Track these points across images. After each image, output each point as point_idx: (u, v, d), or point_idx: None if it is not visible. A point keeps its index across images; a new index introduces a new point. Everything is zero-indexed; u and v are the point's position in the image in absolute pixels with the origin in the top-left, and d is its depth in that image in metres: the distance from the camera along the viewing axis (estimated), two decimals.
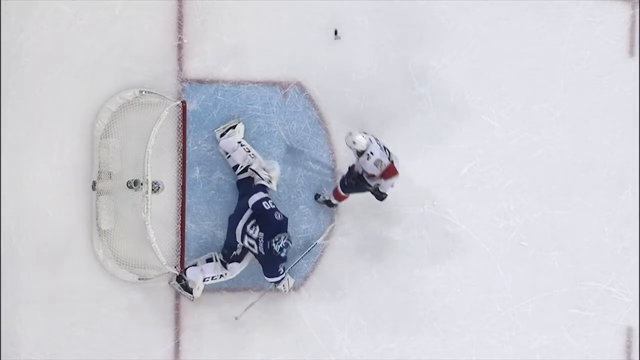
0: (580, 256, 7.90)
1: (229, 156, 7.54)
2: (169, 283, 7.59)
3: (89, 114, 7.54)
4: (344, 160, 7.69)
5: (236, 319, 7.64)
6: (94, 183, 7.46)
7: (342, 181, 7.40)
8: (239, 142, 7.53)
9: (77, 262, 7.59)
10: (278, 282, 7.40)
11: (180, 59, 7.66)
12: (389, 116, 7.71)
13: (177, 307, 7.71)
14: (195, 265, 7.52)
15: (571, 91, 7.88)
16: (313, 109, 7.74)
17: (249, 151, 7.53)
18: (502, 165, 7.87)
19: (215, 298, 7.70)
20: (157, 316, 7.68)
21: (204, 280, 7.52)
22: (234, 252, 7.52)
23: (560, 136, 7.89)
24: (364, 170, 7.12)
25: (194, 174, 7.64)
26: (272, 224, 7.17)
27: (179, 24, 7.66)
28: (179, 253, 7.22)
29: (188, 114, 7.35)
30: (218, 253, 7.57)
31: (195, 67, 7.67)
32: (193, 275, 7.48)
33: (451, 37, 7.80)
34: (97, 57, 7.57)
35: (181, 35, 7.65)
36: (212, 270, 7.54)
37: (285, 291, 7.62)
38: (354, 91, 7.72)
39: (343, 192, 7.44)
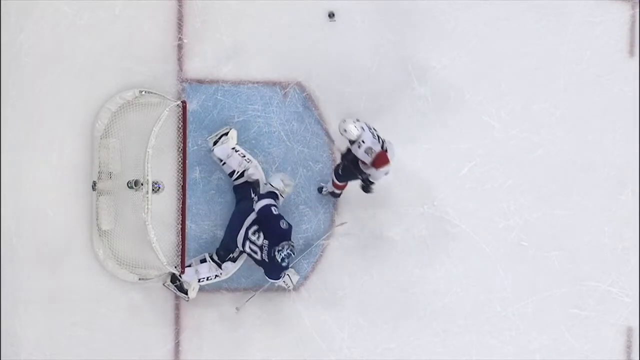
0: (580, 256, 7.90)
1: (224, 163, 7.53)
2: (163, 284, 7.58)
3: (89, 114, 7.54)
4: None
5: (237, 309, 7.65)
6: (94, 183, 7.46)
7: (335, 170, 7.41)
8: (233, 148, 7.52)
9: (77, 262, 7.59)
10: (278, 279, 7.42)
11: (180, 59, 7.66)
12: (389, 116, 7.71)
13: (177, 307, 7.71)
14: (189, 266, 7.52)
15: (571, 91, 7.88)
16: (313, 109, 7.74)
17: (244, 156, 7.52)
18: (502, 165, 7.87)
19: (215, 298, 7.70)
20: (157, 316, 7.68)
21: (199, 281, 7.52)
22: (231, 255, 7.52)
23: (560, 136, 7.89)
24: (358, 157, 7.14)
25: (194, 174, 7.65)
26: (277, 231, 7.15)
27: (179, 24, 7.65)
28: (179, 253, 7.22)
29: (188, 114, 7.35)
30: (212, 254, 7.57)
31: (195, 67, 7.67)
32: (188, 276, 7.48)
33: (451, 37, 7.80)
34: (97, 57, 7.57)
35: (181, 35, 7.65)
36: (207, 270, 7.54)
37: (289, 287, 7.62)
38: (354, 91, 7.72)
39: (337, 180, 7.44)
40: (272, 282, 7.46)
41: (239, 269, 7.63)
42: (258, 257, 7.19)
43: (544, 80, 7.87)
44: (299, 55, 7.67)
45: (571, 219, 7.89)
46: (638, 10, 7.90)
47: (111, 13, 7.58)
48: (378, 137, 7.10)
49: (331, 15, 7.58)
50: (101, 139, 7.47)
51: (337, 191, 7.63)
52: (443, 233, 7.85)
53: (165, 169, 7.31)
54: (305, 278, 7.74)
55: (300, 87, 7.71)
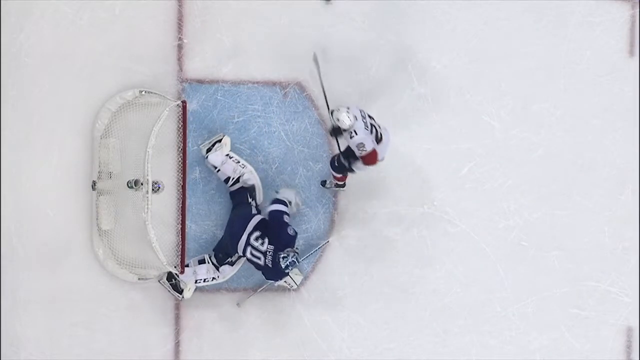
0: (580, 256, 7.90)
1: (218, 170, 7.52)
2: (159, 281, 7.57)
3: (89, 114, 7.54)
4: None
5: (238, 305, 7.65)
6: (94, 183, 7.46)
7: (331, 162, 7.44)
8: (227, 155, 7.51)
9: (77, 262, 7.59)
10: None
11: (180, 59, 7.66)
12: (389, 116, 7.70)
13: (177, 307, 7.71)
14: (187, 266, 7.51)
15: (571, 91, 7.88)
16: (313, 109, 7.74)
17: (239, 162, 7.52)
18: (502, 165, 7.87)
19: (215, 298, 7.70)
20: (157, 316, 7.68)
21: (195, 282, 7.52)
22: (229, 259, 7.52)
23: (560, 136, 7.89)
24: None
25: (194, 174, 7.65)
26: (284, 237, 7.15)
27: (179, 24, 7.65)
28: (179, 253, 7.22)
29: (188, 114, 7.35)
30: (210, 256, 7.57)
31: (195, 67, 7.67)
32: (186, 276, 7.47)
33: (451, 37, 7.80)
34: (97, 57, 7.56)
35: (181, 35, 7.65)
36: (205, 272, 7.54)
37: (291, 287, 7.63)
38: (354, 91, 7.72)
39: (335, 172, 7.44)
40: (272, 283, 7.48)
41: (237, 271, 7.63)
42: (261, 262, 7.17)
43: (544, 80, 7.87)
44: (299, 55, 7.67)
45: (571, 219, 7.88)
46: (638, 10, 7.90)
47: (111, 13, 7.58)
48: (371, 126, 7.09)
49: None
50: (101, 138, 7.47)
51: (340, 182, 7.63)
52: (443, 233, 7.85)
53: (165, 169, 7.31)
54: (305, 278, 7.74)
55: (300, 87, 7.71)
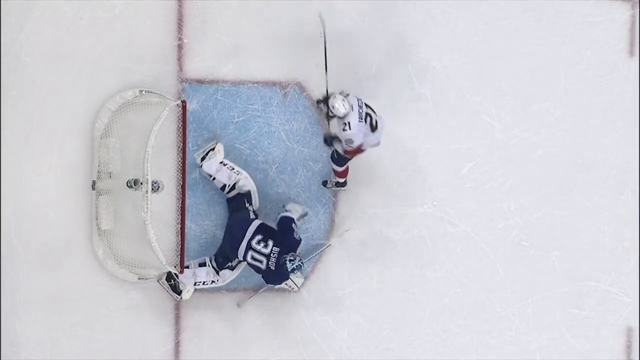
0: (580, 256, 7.90)
1: (214, 178, 7.52)
2: (158, 281, 7.57)
3: (89, 114, 7.54)
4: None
5: (238, 306, 7.66)
6: (94, 183, 7.46)
7: (331, 156, 7.43)
8: (221, 162, 7.51)
9: (77, 262, 7.59)
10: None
11: (180, 59, 7.66)
12: (389, 116, 7.70)
13: (177, 307, 7.71)
14: (188, 267, 7.52)
15: (571, 91, 7.88)
16: (313, 109, 7.74)
17: (233, 169, 7.52)
18: (502, 165, 7.87)
19: (215, 298, 7.70)
20: (157, 316, 7.69)
21: (195, 284, 7.52)
22: (229, 264, 7.53)
23: (560, 136, 7.89)
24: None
25: (194, 174, 7.65)
26: (290, 241, 7.19)
27: (179, 24, 7.66)
28: (179, 253, 7.22)
29: (188, 114, 7.35)
30: (211, 259, 7.57)
31: (195, 67, 7.67)
32: (185, 277, 7.48)
33: (451, 37, 7.80)
34: (97, 57, 7.57)
35: (181, 35, 7.65)
36: (205, 275, 7.54)
37: (293, 290, 7.63)
38: (354, 91, 7.70)
39: (337, 165, 7.44)
40: (272, 286, 7.49)
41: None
42: (262, 265, 7.17)
43: (544, 80, 7.87)
44: (299, 55, 7.67)
45: (571, 219, 7.88)
46: (638, 10, 7.90)
47: (111, 13, 7.59)
48: (367, 115, 7.09)
49: None
50: (101, 138, 7.47)
51: (342, 180, 7.62)
52: (443, 233, 7.85)
53: (165, 169, 7.31)
54: (306, 278, 7.74)
55: (300, 87, 7.71)
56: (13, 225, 7.55)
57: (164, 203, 7.35)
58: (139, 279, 7.53)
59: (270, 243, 7.15)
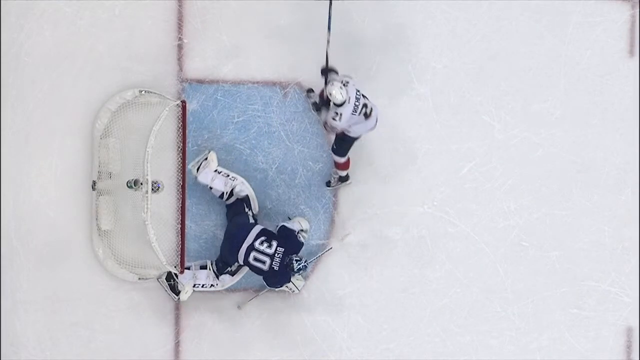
0: (580, 256, 7.90)
1: (211, 187, 7.52)
2: (157, 279, 7.57)
3: (89, 114, 7.54)
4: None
5: (239, 307, 7.66)
6: (94, 183, 7.46)
7: (332, 148, 7.43)
8: (215, 170, 7.50)
9: (77, 262, 7.59)
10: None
11: (180, 59, 7.66)
12: (389, 116, 7.71)
13: (177, 307, 7.71)
14: (189, 268, 7.52)
15: (571, 91, 7.88)
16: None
17: (228, 175, 7.51)
18: (502, 165, 7.87)
19: (215, 298, 7.70)
20: (157, 316, 7.69)
21: (194, 286, 7.52)
22: (229, 268, 7.53)
23: (560, 136, 7.88)
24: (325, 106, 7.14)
25: (194, 173, 7.64)
26: (294, 242, 7.25)
27: (179, 24, 7.66)
28: (179, 253, 7.22)
29: (188, 114, 7.35)
30: (212, 263, 7.57)
31: (195, 67, 7.67)
32: (184, 278, 7.48)
33: (451, 37, 7.80)
34: (97, 57, 7.57)
35: (181, 35, 7.65)
36: (205, 278, 7.54)
37: (293, 292, 7.63)
38: None
39: (338, 156, 7.43)
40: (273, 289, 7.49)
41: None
42: (265, 266, 7.18)
43: (544, 80, 7.87)
44: (299, 55, 7.67)
45: (571, 219, 7.88)
46: (638, 10, 7.90)
47: (111, 13, 7.59)
48: (363, 106, 7.08)
49: None
50: (101, 138, 7.47)
51: (343, 173, 7.61)
52: (443, 233, 7.85)
53: (165, 169, 7.31)
54: (305, 278, 7.74)
55: (300, 87, 7.71)
56: (13, 225, 7.55)
57: (164, 203, 7.35)
58: (139, 279, 7.53)
59: (275, 243, 7.17)
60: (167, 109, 7.09)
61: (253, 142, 7.72)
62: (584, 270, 7.90)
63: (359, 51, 7.72)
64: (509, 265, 7.87)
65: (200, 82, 7.68)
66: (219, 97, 7.69)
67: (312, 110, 7.43)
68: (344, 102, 7.00)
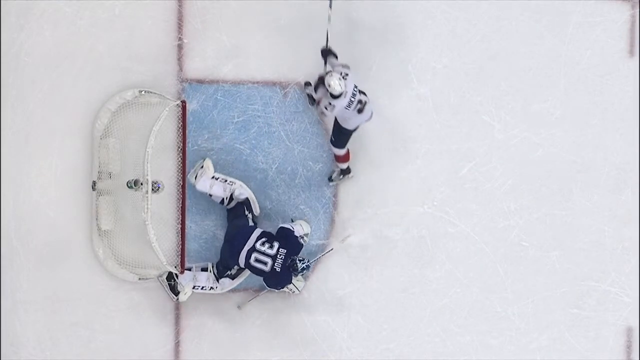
0: (580, 256, 7.89)
1: (211, 195, 7.52)
2: (157, 277, 7.56)
3: (89, 114, 7.55)
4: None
5: (239, 307, 7.66)
6: (94, 183, 7.46)
7: (330, 140, 7.43)
8: (213, 177, 7.50)
9: (77, 262, 7.59)
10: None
11: (180, 59, 7.66)
12: (389, 116, 7.71)
13: (177, 307, 7.71)
14: (189, 269, 7.52)
15: (571, 91, 7.88)
16: (313, 109, 7.73)
17: (226, 180, 7.51)
18: (502, 165, 7.87)
19: (215, 299, 7.70)
20: (157, 316, 7.69)
21: (193, 288, 7.52)
22: (229, 272, 7.53)
23: (560, 136, 7.88)
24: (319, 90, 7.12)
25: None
26: (295, 243, 7.26)
27: (179, 24, 7.66)
28: (179, 253, 7.22)
29: (188, 114, 7.35)
30: (213, 265, 7.57)
31: (195, 67, 7.67)
32: (185, 279, 7.48)
33: (451, 37, 7.80)
34: (97, 57, 7.57)
35: (181, 35, 7.65)
36: (205, 280, 7.54)
37: (294, 293, 7.64)
38: None
39: (337, 147, 7.42)
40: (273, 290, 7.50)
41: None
42: (267, 267, 7.19)
43: (544, 80, 7.87)
44: (299, 55, 7.67)
45: (571, 219, 7.88)
46: (638, 10, 7.89)
47: (111, 13, 7.59)
48: (358, 102, 7.07)
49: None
50: (101, 138, 7.47)
51: (344, 165, 7.61)
52: (443, 233, 7.85)
53: (165, 169, 7.31)
54: (306, 278, 7.74)
55: (300, 87, 7.70)
56: (13, 225, 7.55)
57: (164, 203, 7.35)
58: (139, 279, 7.53)
59: (276, 245, 7.17)
60: (167, 109, 7.08)
61: (253, 142, 7.72)
62: (584, 270, 7.90)
63: (359, 51, 7.71)
64: (509, 265, 7.87)
65: (200, 82, 7.68)
66: (219, 97, 7.69)
67: (308, 104, 7.41)
68: (340, 95, 6.99)
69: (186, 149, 7.27)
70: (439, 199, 7.84)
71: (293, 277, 7.34)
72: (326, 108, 7.04)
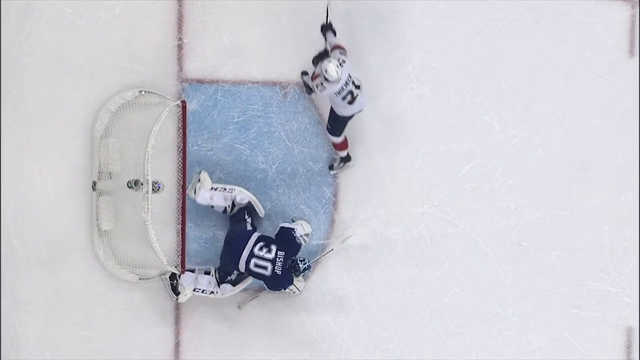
0: (580, 256, 7.89)
1: (212, 206, 7.52)
2: (160, 276, 7.55)
3: (89, 114, 7.55)
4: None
5: (239, 308, 7.66)
6: (94, 183, 7.47)
7: (327, 128, 7.44)
8: (211, 188, 7.49)
9: (77, 262, 7.60)
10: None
11: (180, 59, 7.66)
12: (389, 116, 7.71)
13: (178, 307, 7.71)
14: (192, 271, 7.52)
15: (571, 91, 7.88)
16: (313, 109, 7.74)
17: (225, 189, 7.50)
18: (502, 165, 7.87)
19: (215, 299, 7.69)
20: (157, 316, 7.69)
21: (194, 290, 7.51)
22: (229, 278, 7.52)
23: (560, 136, 7.88)
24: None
25: (194, 174, 7.64)
26: (293, 245, 7.25)
27: (179, 24, 7.66)
28: (180, 253, 7.22)
29: (188, 114, 7.35)
30: (216, 270, 7.57)
31: (195, 67, 7.67)
32: (186, 280, 7.48)
33: (451, 37, 7.80)
34: (97, 57, 7.57)
35: (181, 35, 7.65)
36: (206, 284, 7.54)
37: (295, 293, 7.63)
38: None
39: (334, 135, 7.42)
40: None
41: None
42: (267, 272, 7.18)
43: (544, 80, 7.86)
44: (299, 55, 7.67)
45: (571, 219, 7.88)
46: (638, 10, 7.89)
47: (111, 13, 7.59)
48: (348, 92, 7.07)
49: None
50: (101, 138, 7.47)
51: (344, 153, 7.60)
52: (443, 233, 7.85)
53: (165, 169, 7.32)
54: (306, 279, 7.74)
55: (301, 87, 7.70)
56: (13, 225, 7.55)
57: (165, 203, 7.35)
58: (139, 279, 7.52)
59: (274, 248, 7.17)
60: (167, 109, 7.09)
61: (253, 142, 7.72)
62: (584, 270, 7.89)
63: (359, 51, 7.71)
64: (509, 265, 7.87)
65: (200, 82, 7.68)
66: (219, 97, 7.69)
67: (305, 93, 7.40)
68: (334, 81, 7.00)
69: (186, 149, 7.27)
70: (439, 199, 7.84)
71: (295, 278, 7.34)
72: (317, 86, 7.04)
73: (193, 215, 7.64)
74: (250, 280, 7.51)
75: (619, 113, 7.90)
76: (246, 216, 7.45)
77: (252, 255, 7.18)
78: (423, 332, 7.84)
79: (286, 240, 7.26)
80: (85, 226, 7.57)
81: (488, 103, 7.85)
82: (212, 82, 7.68)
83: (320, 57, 7.20)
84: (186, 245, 7.27)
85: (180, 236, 7.25)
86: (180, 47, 7.65)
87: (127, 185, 7.09)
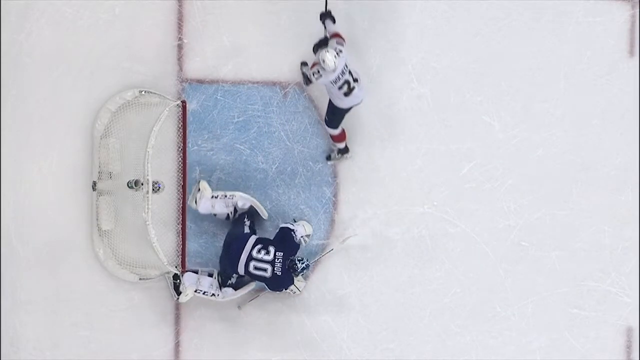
0: (580, 256, 7.89)
1: (215, 214, 7.52)
2: (165, 273, 7.54)
3: (89, 114, 7.55)
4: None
5: (239, 308, 7.65)
6: (94, 183, 7.47)
7: (325, 120, 7.44)
8: (212, 196, 7.48)
9: (77, 262, 7.60)
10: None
11: (180, 59, 7.66)
12: (389, 116, 7.71)
13: (178, 307, 7.71)
14: (195, 272, 7.51)
15: (571, 91, 7.88)
16: (313, 109, 7.74)
17: (225, 196, 7.48)
18: (502, 165, 7.87)
19: (216, 301, 7.69)
20: (157, 316, 7.69)
21: (195, 291, 7.51)
22: (229, 281, 7.52)
23: (560, 136, 7.88)
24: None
25: (194, 174, 7.64)
26: (291, 245, 7.23)
27: (179, 24, 7.66)
28: (180, 253, 7.22)
29: (188, 114, 7.35)
30: (218, 273, 7.56)
31: (195, 67, 7.67)
32: (188, 281, 7.47)
33: (451, 37, 7.80)
34: (97, 57, 7.57)
35: (181, 35, 7.66)
36: (208, 286, 7.53)
37: (295, 294, 7.63)
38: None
39: (331, 127, 7.43)
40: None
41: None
42: (267, 273, 7.17)
43: (544, 80, 7.86)
44: (298, 55, 7.66)
45: (571, 219, 7.88)
46: (638, 10, 7.89)
47: (111, 13, 7.59)
48: (344, 82, 7.08)
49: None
50: (101, 138, 7.48)
51: (342, 145, 7.60)
52: (443, 233, 7.85)
53: (165, 169, 7.32)
54: (306, 278, 7.74)
55: (300, 87, 7.71)
56: (13, 225, 7.55)
57: (165, 203, 7.35)
58: (140, 279, 7.53)
59: (272, 249, 7.15)
60: (167, 109, 7.09)
61: (253, 142, 7.72)
62: (584, 270, 7.89)
63: (359, 51, 7.71)
64: (509, 265, 7.86)
65: (200, 82, 7.68)
66: (219, 97, 7.69)
67: (303, 84, 7.39)
68: (330, 71, 7.00)
69: (186, 149, 7.28)
70: (439, 199, 7.84)
71: (295, 277, 7.34)
72: (314, 74, 7.04)
73: (193, 215, 7.64)
74: (252, 285, 7.51)
75: (619, 113, 7.90)
76: (245, 219, 7.44)
77: (250, 258, 7.17)
78: (423, 332, 7.84)
79: (284, 240, 7.25)
80: (85, 226, 7.58)
81: (488, 103, 7.85)
82: (212, 82, 7.68)
83: (320, 45, 7.21)
84: (186, 245, 7.27)
85: (181, 236, 7.25)
86: (180, 47, 7.65)
87: (127, 185, 7.09)
